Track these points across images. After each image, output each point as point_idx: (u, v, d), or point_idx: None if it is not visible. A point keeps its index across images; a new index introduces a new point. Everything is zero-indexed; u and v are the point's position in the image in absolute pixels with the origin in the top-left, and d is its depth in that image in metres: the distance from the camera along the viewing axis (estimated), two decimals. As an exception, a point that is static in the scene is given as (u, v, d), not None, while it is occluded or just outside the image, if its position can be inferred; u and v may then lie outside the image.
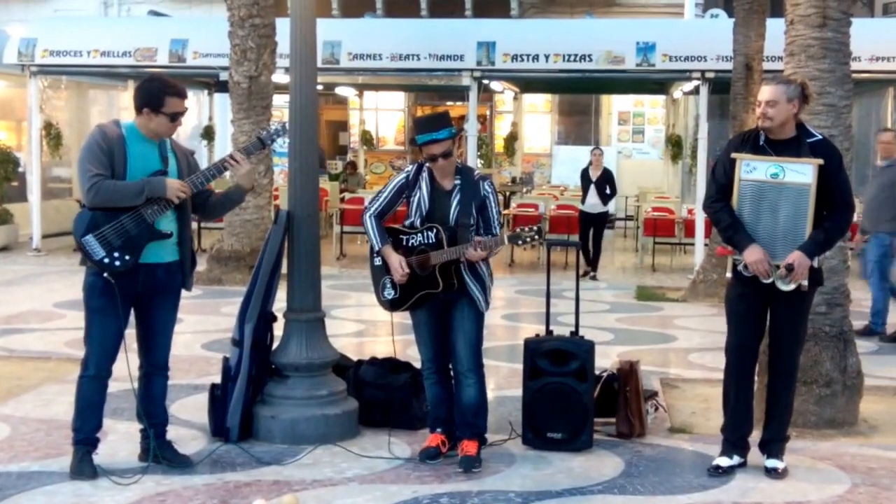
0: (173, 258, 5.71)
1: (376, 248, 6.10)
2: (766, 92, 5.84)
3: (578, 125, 27.78)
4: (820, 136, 5.94)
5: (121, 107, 21.79)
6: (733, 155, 5.90)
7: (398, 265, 5.98)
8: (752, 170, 5.84)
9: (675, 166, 24.98)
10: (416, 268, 5.98)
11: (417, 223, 6.06)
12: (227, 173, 6.17)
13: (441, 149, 5.96)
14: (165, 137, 5.72)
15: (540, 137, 27.53)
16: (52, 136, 18.03)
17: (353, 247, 17.90)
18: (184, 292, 5.88)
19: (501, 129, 27.31)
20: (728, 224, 5.90)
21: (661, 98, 25.18)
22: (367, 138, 26.52)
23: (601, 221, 15.55)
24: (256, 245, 13.64)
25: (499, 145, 26.19)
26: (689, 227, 16.30)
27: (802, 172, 5.74)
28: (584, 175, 15.61)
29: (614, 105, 26.76)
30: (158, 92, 5.57)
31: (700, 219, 15.35)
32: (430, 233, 5.98)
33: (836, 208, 5.87)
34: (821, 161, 5.71)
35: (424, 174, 6.10)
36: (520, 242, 6.04)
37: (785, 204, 5.79)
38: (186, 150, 5.96)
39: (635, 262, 17.30)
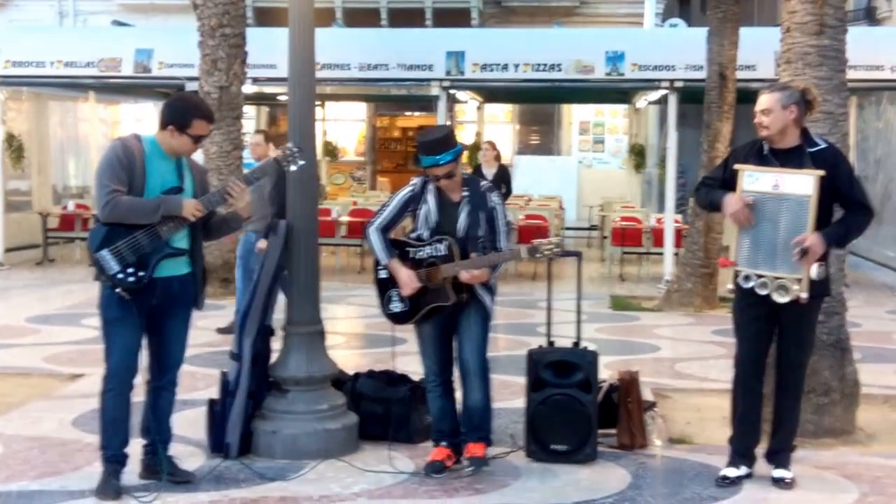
0: (187, 270, 5.58)
1: (383, 262, 6.00)
2: (760, 101, 5.80)
3: (540, 135, 27.80)
4: (824, 145, 5.86)
5: (79, 118, 21.42)
6: (736, 166, 5.86)
7: (408, 279, 5.89)
8: (756, 180, 5.80)
9: (636, 176, 25.06)
10: (424, 281, 5.89)
11: (425, 235, 5.96)
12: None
13: (444, 171, 5.90)
14: (184, 156, 5.60)
15: (501, 147, 27.39)
16: (14, 148, 17.72)
17: (320, 258, 17.67)
18: None
19: (464, 139, 27.23)
20: (707, 192, 6.01)
21: (621, 107, 25.23)
22: (329, 149, 26.33)
23: None
24: (227, 257, 13.44)
25: (463, 156, 26.01)
26: (656, 237, 16.26)
27: (802, 184, 5.68)
28: (478, 174, 14.65)
29: (575, 115, 26.78)
30: (186, 112, 5.46)
31: (669, 228, 15.29)
32: (440, 245, 5.89)
33: (855, 209, 5.84)
34: (821, 172, 5.64)
35: (431, 186, 6.01)
36: (538, 255, 5.91)
37: (785, 215, 5.72)
38: (202, 168, 5.84)
39: (603, 272, 17.24)
